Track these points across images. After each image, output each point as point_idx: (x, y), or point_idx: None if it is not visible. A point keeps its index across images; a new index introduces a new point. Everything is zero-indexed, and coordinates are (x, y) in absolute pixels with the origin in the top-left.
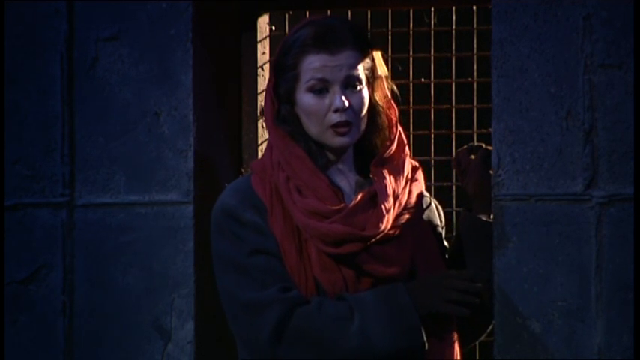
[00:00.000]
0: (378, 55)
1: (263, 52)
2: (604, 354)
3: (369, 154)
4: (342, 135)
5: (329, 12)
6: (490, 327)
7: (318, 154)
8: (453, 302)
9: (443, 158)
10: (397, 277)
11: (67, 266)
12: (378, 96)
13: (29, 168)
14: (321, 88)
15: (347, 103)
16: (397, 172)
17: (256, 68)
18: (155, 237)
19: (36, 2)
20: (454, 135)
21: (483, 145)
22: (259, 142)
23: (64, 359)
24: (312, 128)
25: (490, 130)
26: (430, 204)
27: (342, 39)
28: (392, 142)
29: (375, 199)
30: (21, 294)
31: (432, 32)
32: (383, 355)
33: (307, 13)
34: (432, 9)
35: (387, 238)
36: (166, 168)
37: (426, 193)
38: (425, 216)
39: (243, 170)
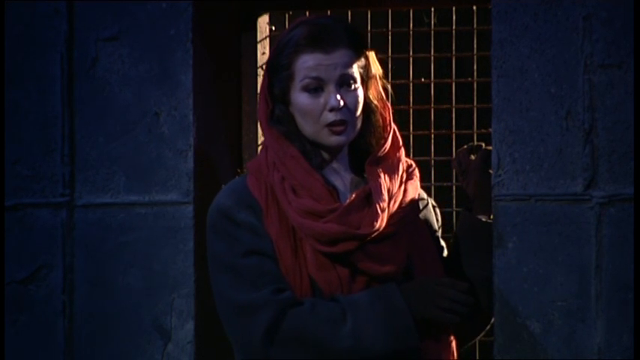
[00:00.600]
0: (372, 54)
1: (263, 52)
2: (604, 354)
3: (364, 153)
4: (338, 134)
5: (329, 12)
6: (487, 328)
7: (313, 153)
8: (444, 310)
9: (443, 158)
10: (392, 276)
11: (67, 266)
12: (372, 95)
13: (29, 168)
14: (315, 87)
15: (342, 102)
16: (392, 171)
17: (256, 68)
18: (155, 237)
19: (36, 2)
20: (454, 135)
21: (483, 145)
22: (259, 142)
23: (64, 359)
24: (307, 128)
25: (490, 130)
26: (427, 203)
27: (336, 38)
28: (386, 141)
29: (370, 197)
30: (21, 294)
31: (432, 32)
32: (376, 357)
33: (307, 13)
34: (432, 9)
35: (383, 236)
36: (166, 168)
37: (422, 192)
38: (421, 215)
39: (239, 170)
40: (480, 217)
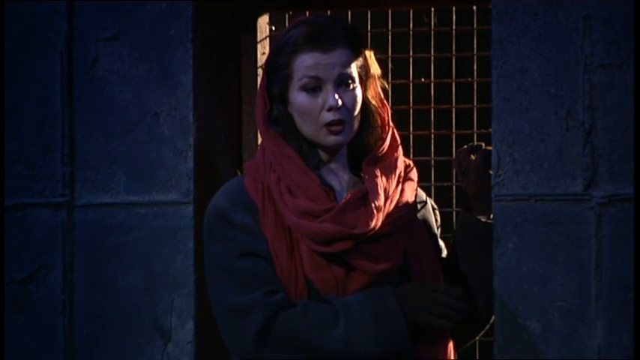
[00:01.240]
0: (370, 54)
1: (263, 52)
2: (604, 354)
3: (362, 153)
4: (336, 134)
5: (329, 12)
6: (487, 328)
7: (310, 153)
8: (437, 316)
9: (443, 158)
10: (388, 274)
11: (66, 266)
12: (370, 94)
13: (29, 168)
14: (314, 87)
15: (340, 102)
16: (389, 171)
17: (256, 68)
18: (155, 237)
19: (36, 2)
20: (454, 135)
21: (483, 145)
22: (259, 142)
23: (64, 359)
24: (305, 127)
25: (490, 130)
26: (426, 203)
27: (334, 38)
28: (384, 141)
29: (366, 197)
30: (21, 294)
31: (432, 32)
32: (368, 359)
33: (307, 14)
34: (432, 9)
35: (379, 236)
36: (166, 168)
37: (422, 193)
38: (420, 215)
39: (238, 171)
40: (479, 217)
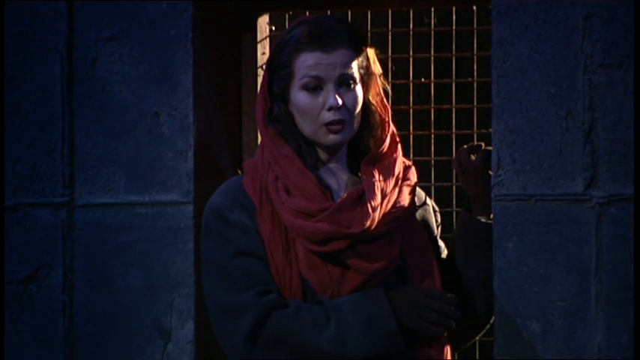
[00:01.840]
0: (372, 54)
1: (263, 52)
2: (604, 354)
3: (362, 153)
4: (335, 133)
5: (329, 12)
6: (486, 328)
7: (308, 153)
8: (430, 322)
9: (443, 158)
10: (384, 274)
11: (67, 266)
12: (371, 95)
13: (29, 168)
14: (315, 86)
15: (340, 102)
16: (387, 171)
17: (256, 68)
18: (155, 237)
19: (36, 2)
20: (454, 135)
21: (483, 145)
22: (259, 142)
23: (64, 359)
24: (305, 126)
25: (490, 130)
26: (425, 203)
27: (336, 37)
28: (384, 142)
29: (363, 197)
30: (21, 294)
31: (432, 32)
32: None
33: (307, 13)
34: (432, 9)
35: (375, 236)
36: (166, 168)
37: (422, 193)
38: (419, 216)
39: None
40: (479, 217)
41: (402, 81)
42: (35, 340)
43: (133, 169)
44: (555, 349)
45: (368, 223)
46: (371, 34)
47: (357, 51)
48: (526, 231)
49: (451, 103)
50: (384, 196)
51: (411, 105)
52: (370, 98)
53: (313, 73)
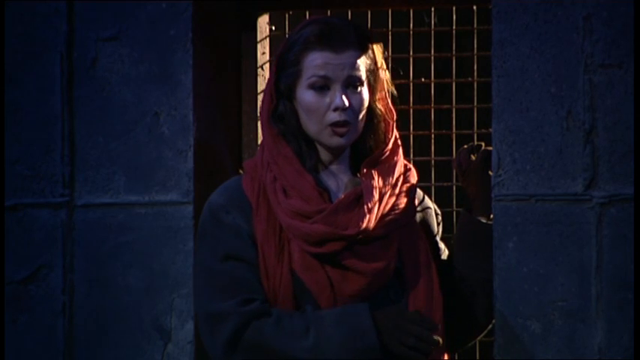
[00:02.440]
0: (380, 58)
1: (263, 52)
2: (604, 354)
3: (363, 154)
4: (340, 135)
5: (329, 12)
6: (484, 332)
7: (308, 155)
8: (408, 347)
9: (443, 158)
10: (382, 275)
11: (66, 266)
12: (377, 98)
13: (29, 168)
14: (322, 86)
15: (347, 103)
16: (387, 173)
17: (256, 68)
18: (155, 237)
19: (36, 2)
20: (454, 135)
21: (483, 145)
22: (259, 142)
23: (64, 359)
24: (310, 126)
25: (490, 130)
26: (426, 205)
27: (346, 38)
28: (387, 145)
29: (361, 199)
30: (21, 294)
31: (432, 32)
32: None
33: (307, 13)
34: (432, 9)
35: (372, 238)
36: (166, 168)
37: (426, 198)
38: (418, 217)
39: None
40: (480, 218)
41: (402, 81)
42: (35, 341)
43: (133, 169)
44: (555, 349)
45: (364, 225)
46: (371, 34)
47: (366, 53)
48: (526, 231)
49: (451, 103)
50: (381, 198)
51: (411, 105)
52: (376, 102)
53: (321, 72)
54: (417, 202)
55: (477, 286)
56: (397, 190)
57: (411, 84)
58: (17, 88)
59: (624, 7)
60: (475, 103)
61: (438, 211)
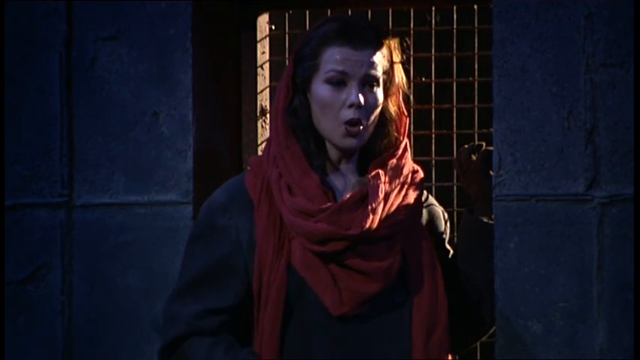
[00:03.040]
0: (398, 59)
1: (263, 52)
2: (606, 355)
3: (372, 155)
4: (353, 136)
5: (329, 11)
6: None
7: (316, 154)
8: None
9: (444, 158)
10: (385, 275)
11: (65, 266)
12: (391, 103)
13: (28, 168)
14: (339, 81)
15: (363, 101)
16: (394, 175)
17: (256, 68)
18: (154, 237)
19: (35, 2)
20: (455, 135)
21: (484, 145)
22: (259, 142)
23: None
24: (324, 122)
25: (491, 129)
26: (432, 207)
27: (366, 37)
28: (396, 149)
29: (366, 199)
30: (20, 294)
31: (433, 31)
32: None
33: (307, 13)
34: (433, 8)
35: (376, 238)
36: (166, 168)
37: (431, 198)
38: (424, 219)
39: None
40: (482, 217)
41: None
42: (34, 341)
43: (132, 169)
44: (557, 349)
45: (367, 225)
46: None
47: (383, 55)
48: (527, 231)
49: (452, 103)
50: (387, 199)
51: (412, 105)
52: (389, 106)
53: (340, 67)
54: (423, 204)
55: (483, 286)
56: (403, 192)
57: (412, 84)
58: (16, 88)
59: (626, 7)
60: (476, 103)
61: (446, 217)
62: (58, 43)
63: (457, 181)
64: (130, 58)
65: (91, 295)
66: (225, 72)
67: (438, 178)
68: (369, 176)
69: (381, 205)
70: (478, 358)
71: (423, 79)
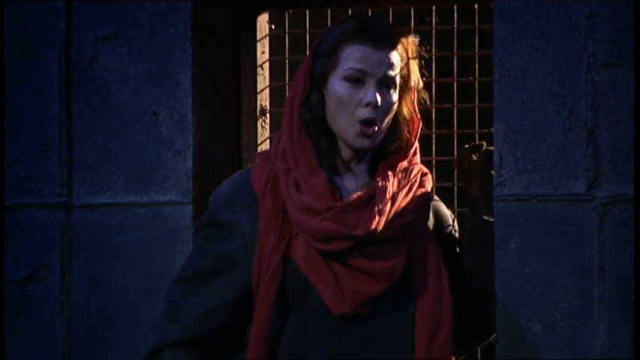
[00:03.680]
0: (415, 66)
1: (263, 51)
2: (606, 355)
3: (382, 156)
4: (368, 136)
5: (329, 11)
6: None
7: (327, 152)
8: None
9: (444, 158)
10: (389, 276)
11: (64, 267)
12: (405, 106)
13: (27, 168)
14: (357, 79)
15: (379, 101)
16: (403, 177)
17: (256, 67)
18: (154, 237)
19: (34, 1)
20: (455, 135)
21: (484, 144)
22: (259, 142)
23: None
24: (338, 119)
25: (492, 129)
26: (441, 210)
27: (388, 37)
28: (406, 152)
29: (374, 199)
30: (19, 295)
31: (434, 31)
32: None
33: (307, 12)
34: (434, 8)
35: (382, 239)
36: (165, 168)
37: (438, 201)
38: (431, 222)
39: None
40: (485, 217)
41: None
42: (33, 341)
43: (132, 169)
44: (557, 350)
45: (372, 226)
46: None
47: (402, 58)
48: (528, 232)
49: (452, 103)
50: (394, 200)
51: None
52: (403, 109)
53: (359, 66)
54: (431, 207)
55: (489, 287)
56: (411, 194)
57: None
58: (15, 88)
59: (627, 6)
60: (476, 103)
61: (456, 228)
62: (57, 42)
63: (457, 181)
64: (130, 58)
65: (91, 296)
66: (224, 72)
67: (439, 178)
68: (378, 177)
69: (388, 206)
70: (479, 358)
71: (424, 78)
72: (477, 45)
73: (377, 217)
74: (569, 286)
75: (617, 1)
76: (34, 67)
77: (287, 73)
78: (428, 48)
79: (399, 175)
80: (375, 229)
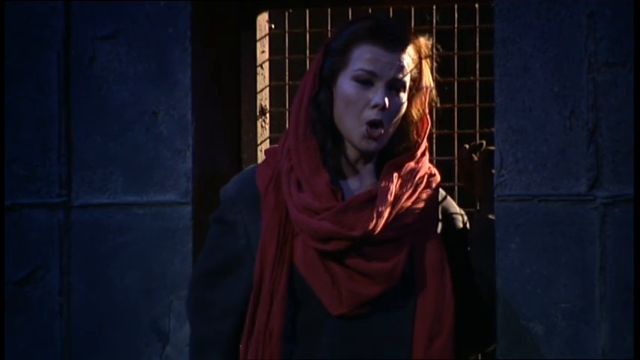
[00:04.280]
0: (426, 68)
1: (262, 51)
2: (608, 355)
3: (389, 156)
4: (374, 139)
5: (329, 10)
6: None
7: (332, 152)
8: None
9: (445, 158)
10: (387, 277)
11: (63, 267)
12: (414, 108)
13: (26, 168)
14: (366, 80)
15: (387, 104)
16: (408, 178)
17: (255, 67)
18: (153, 238)
19: (33, 1)
20: (456, 134)
21: (484, 143)
22: (259, 142)
23: None
24: (346, 119)
25: (493, 129)
26: (452, 211)
27: (399, 39)
28: (413, 153)
29: (375, 200)
30: (18, 295)
31: (434, 31)
32: None
33: (307, 11)
34: (434, 7)
35: (382, 240)
36: (164, 168)
37: (450, 201)
38: (441, 224)
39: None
40: (489, 216)
41: None
42: (32, 342)
43: (131, 169)
44: (558, 350)
45: (370, 227)
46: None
47: (414, 61)
48: (529, 232)
49: (453, 102)
50: (396, 201)
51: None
52: (413, 111)
53: (369, 67)
54: (440, 207)
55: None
56: (416, 195)
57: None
58: (14, 88)
59: (628, 6)
60: (477, 102)
61: (465, 217)
62: (57, 42)
63: (458, 180)
64: (129, 58)
65: (89, 296)
66: (224, 71)
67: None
68: (382, 178)
69: (389, 207)
70: (479, 358)
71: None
72: (477, 44)
73: (375, 219)
74: (570, 286)
75: (618, 1)
76: (33, 66)
77: (287, 73)
78: (438, 48)
79: (405, 176)
80: (373, 229)
